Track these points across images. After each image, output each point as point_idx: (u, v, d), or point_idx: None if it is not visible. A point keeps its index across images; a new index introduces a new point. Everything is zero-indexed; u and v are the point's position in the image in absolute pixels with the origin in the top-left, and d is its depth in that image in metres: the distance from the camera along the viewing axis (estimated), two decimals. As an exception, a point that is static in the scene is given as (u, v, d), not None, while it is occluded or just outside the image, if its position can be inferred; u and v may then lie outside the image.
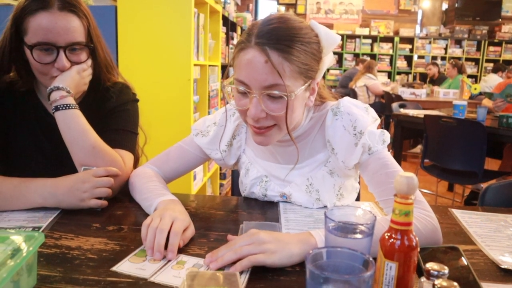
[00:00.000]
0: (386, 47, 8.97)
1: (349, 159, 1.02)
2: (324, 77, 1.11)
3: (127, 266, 0.78)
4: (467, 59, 8.86)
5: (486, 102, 3.92)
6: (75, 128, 1.12)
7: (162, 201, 1.00)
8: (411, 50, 8.97)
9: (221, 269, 0.77)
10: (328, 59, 1.00)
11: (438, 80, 7.04)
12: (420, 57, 9.05)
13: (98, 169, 1.09)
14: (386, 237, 0.62)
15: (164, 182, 1.16)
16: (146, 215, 1.04)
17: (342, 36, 8.68)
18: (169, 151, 1.23)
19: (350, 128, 1.02)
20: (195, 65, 2.40)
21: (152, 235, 0.84)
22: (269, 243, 0.79)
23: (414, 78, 8.85)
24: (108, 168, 1.10)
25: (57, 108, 1.12)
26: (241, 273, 0.76)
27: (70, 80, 1.14)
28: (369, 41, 8.98)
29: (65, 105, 1.12)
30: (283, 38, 0.89)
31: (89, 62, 1.20)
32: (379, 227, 0.78)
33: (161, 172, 1.19)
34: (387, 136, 1.03)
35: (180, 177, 1.24)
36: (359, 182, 1.25)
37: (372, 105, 1.10)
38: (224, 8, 3.24)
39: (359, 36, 8.93)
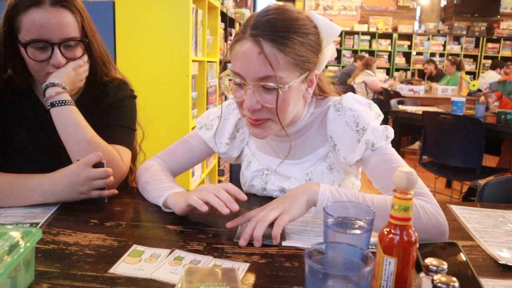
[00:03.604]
0: (384, 44, 8.97)
1: (351, 155, 1.02)
2: (322, 72, 1.10)
3: (124, 268, 0.76)
4: (465, 56, 8.87)
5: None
6: (71, 124, 1.11)
7: (172, 193, 1.00)
8: (410, 47, 8.97)
9: (219, 264, 0.77)
10: (329, 51, 1.00)
11: (437, 76, 7.05)
12: (418, 53, 9.05)
13: (90, 155, 1.05)
14: (385, 232, 0.61)
15: (171, 176, 1.16)
16: (145, 211, 1.04)
17: (341, 32, 8.64)
18: (175, 145, 1.23)
19: (352, 124, 1.01)
20: (193, 61, 2.39)
21: (214, 197, 0.90)
22: (283, 203, 0.89)
23: (413, 74, 8.86)
24: (99, 153, 1.07)
25: (52, 105, 1.11)
26: (238, 268, 0.75)
27: (65, 76, 1.13)
28: (368, 37, 8.98)
29: (60, 101, 1.11)
30: (278, 29, 0.89)
31: (85, 58, 1.19)
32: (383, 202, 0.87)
33: (168, 167, 1.20)
34: (390, 131, 1.02)
35: (186, 171, 1.24)
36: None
37: (370, 102, 1.11)
38: (222, 4, 3.22)
39: (357, 33, 8.92)
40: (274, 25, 0.90)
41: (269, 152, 1.15)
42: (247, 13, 4.24)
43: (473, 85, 4.68)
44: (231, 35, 3.66)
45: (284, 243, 0.87)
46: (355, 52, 8.84)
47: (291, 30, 0.90)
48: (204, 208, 0.89)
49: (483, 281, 0.71)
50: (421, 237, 0.82)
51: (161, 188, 1.04)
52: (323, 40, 0.97)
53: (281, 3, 1.43)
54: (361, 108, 1.03)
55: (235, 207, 0.88)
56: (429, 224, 0.86)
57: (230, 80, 0.98)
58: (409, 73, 8.93)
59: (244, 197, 0.92)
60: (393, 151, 1.01)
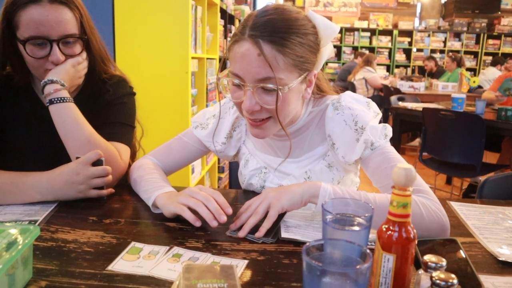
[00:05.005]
0: (385, 40, 8.94)
1: (349, 154, 1.02)
2: (322, 70, 1.10)
3: (123, 265, 0.76)
4: (466, 52, 8.84)
5: (487, 94, 3.92)
6: (70, 122, 1.11)
7: (160, 194, 0.99)
8: (410, 43, 8.94)
9: (217, 261, 0.77)
10: (327, 50, 0.99)
11: (437, 73, 7.03)
12: (419, 50, 9.03)
13: (89, 153, 1.05)
14: (384, 229, 0.61)
15: (164, 175, 1.16)
16: (143, 208, 1.04)
17: (341, 29, 8.62)
18: (169, 143, 1.23)
19: (351, 123, 1.01)
20: (193, 58, 2.39)
21: (204, 208, 0.90)
22: (273, 191, 0.92)
23: (413, 71, 8.83)
24: (98, 151, 1.07)
25: (51, 102, 1.11)
26: (237, 265, 0.75)
27: (64, 73, 1.13)
28: (368, 34, 8.95)
29: (59, 99, 1.11)
30: (277, 30, 0.88)
31: (84, 55, 1.19)
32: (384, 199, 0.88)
33: (162, 165, 1.19)
34: (389, 130, 1.02)
35: (180, 169, 1.24)
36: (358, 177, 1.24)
37: (370, 99, 1.10)
38: (222, 0, 3.21)
39: (357, 29, 8.90)
40: (273, 25, 0.89)
41: (268, 151, 1.15)
42: (247, 9, 4.22)
43: (474, 82, 4.68)
44: (230, 32, 3.65)
45: (282, 236, 0.87)
46: (355, 48, 8.83)
47: (290, 31, 0.89)
48: (198, 224, 0.90)
49: (482, 277, 0.71)
50: (423, 234, 0.83)
51: (150, 189, 1.04)
52: (321, 39, 0.96)
53: (280, 1, 1.42)
54: (359, 107, 1.02)
55: (223, 218, 0.88)
56: (431, 221, 0.86)
57: (228, 79, 0.97)
58: (409, 70, 8.90)
59: (229, 211, 0.91)
60: (392, 149, 1.01)
